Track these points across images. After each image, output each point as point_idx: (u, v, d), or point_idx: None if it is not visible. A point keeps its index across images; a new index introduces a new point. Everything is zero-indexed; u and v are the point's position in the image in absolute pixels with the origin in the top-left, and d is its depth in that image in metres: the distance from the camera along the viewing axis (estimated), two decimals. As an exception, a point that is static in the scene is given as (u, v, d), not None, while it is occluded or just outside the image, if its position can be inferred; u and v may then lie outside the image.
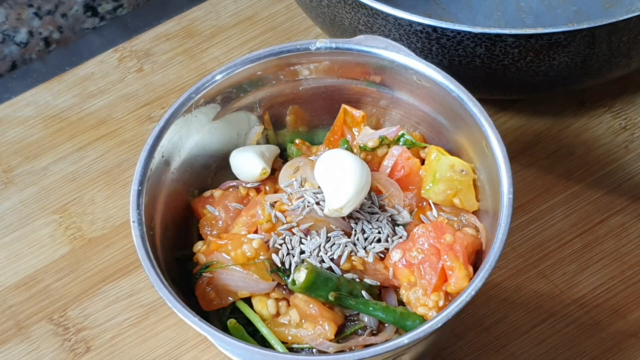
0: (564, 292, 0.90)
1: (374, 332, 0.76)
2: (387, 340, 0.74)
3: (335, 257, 0.76)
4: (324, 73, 0.84)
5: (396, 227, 0.78)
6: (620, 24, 0.84)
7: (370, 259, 0.76)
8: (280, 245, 0.78)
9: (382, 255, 0.77)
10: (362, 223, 0.78)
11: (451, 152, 0.81)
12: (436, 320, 0.70)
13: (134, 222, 0.75)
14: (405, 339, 0.70)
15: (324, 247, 0.77)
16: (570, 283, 0.91)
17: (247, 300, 0.77)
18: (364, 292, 0.76)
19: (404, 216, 0.79)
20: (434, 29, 0.85)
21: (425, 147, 0.82)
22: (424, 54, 0.88)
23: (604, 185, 0.95)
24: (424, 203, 0.80)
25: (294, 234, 0.78)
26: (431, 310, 0.74)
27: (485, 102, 0.81)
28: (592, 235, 0.93)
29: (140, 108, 1.04)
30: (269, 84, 0.84)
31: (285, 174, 0.81)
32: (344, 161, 0.76)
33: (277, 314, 0.77)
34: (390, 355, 0.72)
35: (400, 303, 0.77)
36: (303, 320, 0.75)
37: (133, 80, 1.06)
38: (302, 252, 0.77)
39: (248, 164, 0.82)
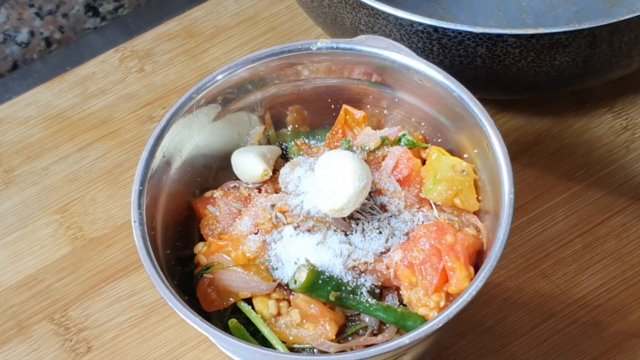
0: (565, 292, 0.90)
1: (375, 332, 0.76)
2: (388, 341, 0.74)
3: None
4: (325, 73, 0.84)
5: (397, 228, 0.78)
6: (621, 24, 0.84)
7: (370, 259, 0.76)
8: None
9: (383, 256, 0.77)
10: (363, 223, 0.78)
11: (452, 153, 0.81)
12: (437, 321, 0.70)
13: (135, 222, 0.75)
14: (406, 339, 0.70)
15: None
16: (571, 283, 0.91)
17: (248, 301, 0.78)
18: (364, 292, 0.76)
19: (405, 217, 0.79)
20: (435, 29, 0.85)
21: (426, 148, 0.82)
22: (425, 54, 0.88)
23: (605, 185, 0.95)
24: (425, 203, 0.80)
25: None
26: (432, 311, 0.74)
27: (486, 102, 0.81)
28: (593, 235, 0.93)
29: (141, 108, 1.04)
30: (270, 84, 0.84)
31: (286, 174, 0.81)
32: (344, 161, 0.76)
33: (278, 314, 0.77)
34: (391, 355, 0.72)
35: (401, 303, 0.77)
36: (304, 321, 0.76)
37: (134, 80, 1.06)
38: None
39: (249, 165, 0.82)
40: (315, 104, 0.86)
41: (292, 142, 0.86)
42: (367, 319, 0.76)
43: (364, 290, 0.76)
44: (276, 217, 0.78)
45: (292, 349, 0.76)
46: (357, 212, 0.78)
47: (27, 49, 1.11)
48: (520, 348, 0.88)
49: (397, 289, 0.77)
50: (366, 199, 0.78)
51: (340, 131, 0.84)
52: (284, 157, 0.86)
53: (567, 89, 0.97)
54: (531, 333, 0.88)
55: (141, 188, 0.77)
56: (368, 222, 0.78)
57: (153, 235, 0.76)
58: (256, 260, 0.77)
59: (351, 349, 0.75)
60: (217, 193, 0.82)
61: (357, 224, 0.78)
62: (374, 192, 0.79)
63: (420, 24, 0.85)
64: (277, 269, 0.77)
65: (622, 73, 0.94)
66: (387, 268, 0.77)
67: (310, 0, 0.93)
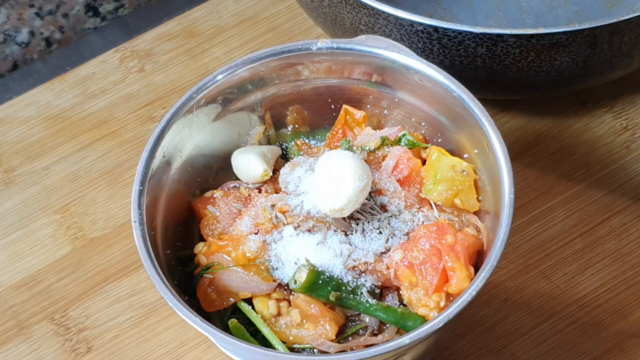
0: (565, 292, 0.90)
1: (375, 332, 0.76)
2: (388, 341, 0.74)
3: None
4: (325, 73, 0.84)
5: (397, 228, 0.78)
6: (621, 24, 0.84)
7: (371, 259, 0.76)
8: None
9: (383, 256, 0.77)
10: (363, 223, 0.78)
11: (452, 153, 0.81)
12: (437, 321, 0.70)
13: (135, 222, 0.75)
14: (406, 339, 0.70)
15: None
16: (571, 283, 0.91)
17: (248, 301, 0.78)
18: (364, 293, 0.76)
19: (405, 217, 0.79)
20: (435, 29, 0.85)
21: (426, 148, 0.82)
22: (425, 54, 0.88)
23: (605, 185, 0.95)
24: (425, 203, 0.80)
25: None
26: (432, 311, 0.74)
27: (487, 102, 0.81)
28: (593, 235, 0.93)
29: (141, 108, 1.04)
30: (270, 84, 0.84)
31: (286, 174, 0.81)
32: (345, 162, 0.76)
33: (278, 314, 0.77)
34: (391, 355, 0.72)
35: (401, 303, 0.77)
36: (304, 321, 0.76)
37: (134, 80, 1.06)
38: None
39: (250, 165, 0.82)
40: (315, 104, 0.86)
41: (292, 142, 0.86)
42: (367, 319, 0.76)
43: (364, 290, 0.76)
44: (276, 217, 0.78)
45: (292, 349, 0.76)
46: (357, 212, 0.78)
47: (27, 49, 1.11)
48: (521, 348, 0.88)
49: (397, 289, 0.77)
50: (366, 199, 0.78)
51: (340, 131, 0.84)
52: (284, 157, 0.86)
53: (567, 89, 0.97)
54: (531, 333, 0.88)
55: (141, 188, 0.77)
56: (368, 222, 0.78)
57: (153, 235, 0.76)
58: (256, 260, 0.77)
59: (351, 349, 0.75)
60: (217, 193, 0.82)
61: (357, 224, 0.78)
62: (374, 192, 0.79)
63: (420, 24, 0.85)
64: (277, 269, 0.77)
65: (622, 73, 0.94)
66: (387, 268, 0.77)
67: (310, 1, 0.93)
